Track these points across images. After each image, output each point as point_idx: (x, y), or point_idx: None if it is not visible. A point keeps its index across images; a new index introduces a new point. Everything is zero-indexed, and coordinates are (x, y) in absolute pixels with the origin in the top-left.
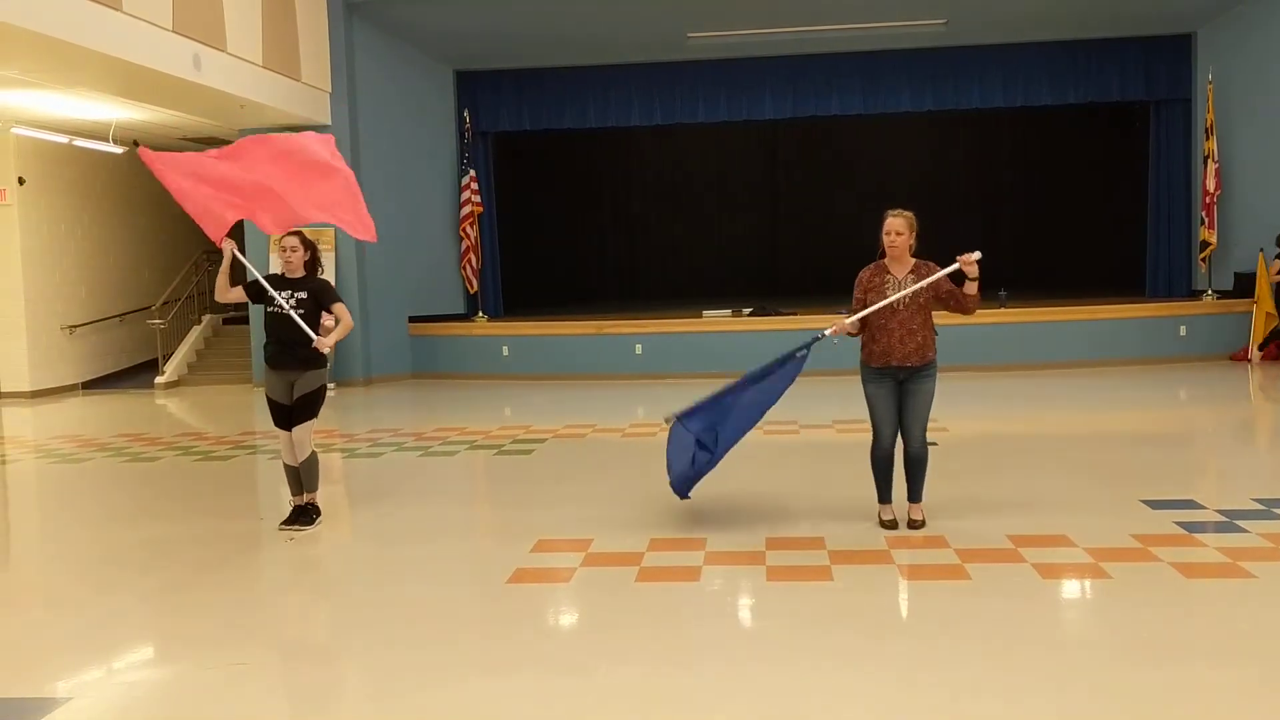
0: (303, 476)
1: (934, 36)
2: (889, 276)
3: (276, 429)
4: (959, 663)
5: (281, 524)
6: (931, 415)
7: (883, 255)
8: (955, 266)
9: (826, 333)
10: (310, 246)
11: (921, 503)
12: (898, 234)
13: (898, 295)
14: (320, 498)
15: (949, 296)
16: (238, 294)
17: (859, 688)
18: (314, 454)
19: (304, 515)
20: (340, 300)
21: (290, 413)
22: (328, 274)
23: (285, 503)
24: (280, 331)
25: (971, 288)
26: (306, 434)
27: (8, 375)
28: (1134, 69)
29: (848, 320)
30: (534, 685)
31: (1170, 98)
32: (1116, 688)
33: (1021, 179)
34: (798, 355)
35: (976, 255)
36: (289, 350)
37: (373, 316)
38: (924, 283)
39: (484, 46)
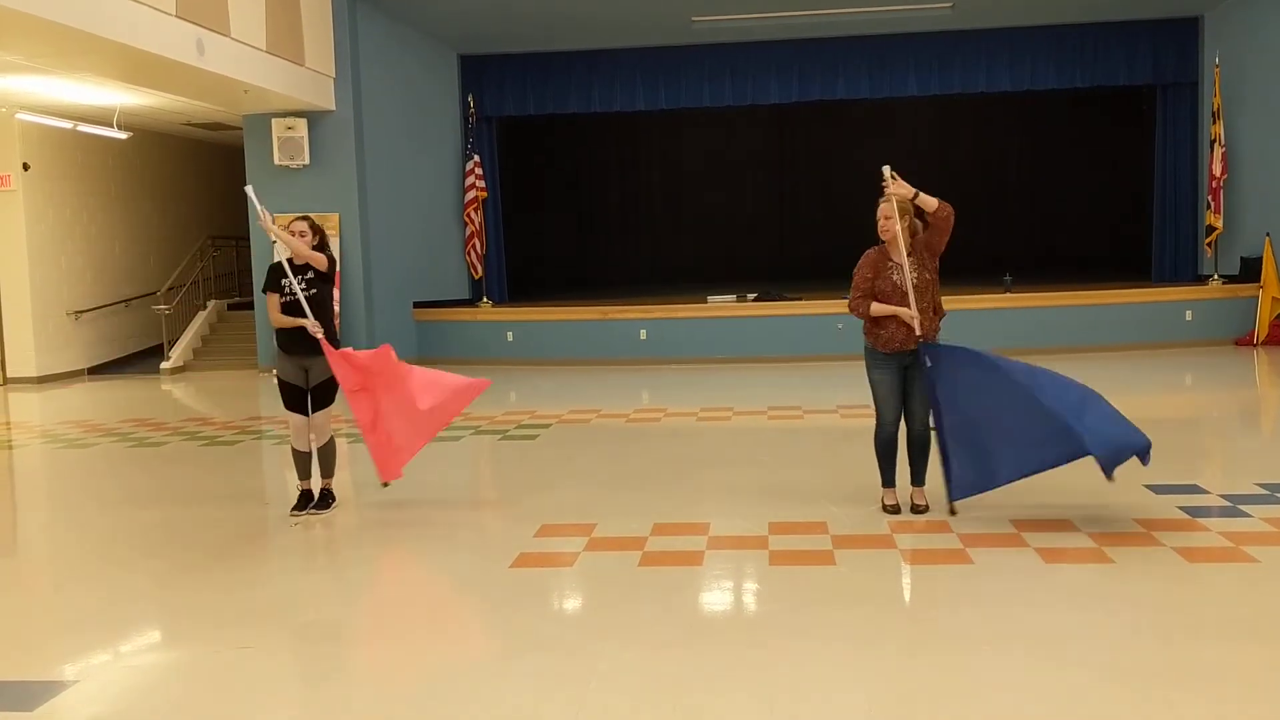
0: (322, 461)
1: (940, 20)
2: (891, 262)
3: (286, 412)
4: (961, 647)
5: (292, 509)
6: None
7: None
8: (891, 201)
9: (916, 331)
10: (318, 231)
11: (925, 487)
12: (886, 218)
13: (909, 284)
14: (333, 484)
15: (933, 234)
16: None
17: (861, 672)
18: (333, 439)
19: (320, 500)
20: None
21: (303, 396)
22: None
23: (291, 487)
24: (293, 316)
25: (927, 202)
26: (327, 419)
27: (14, 361)
28: (1141, 52)
29: (913, 315)
30: (537, 669)
31: (1177, 81)
32: (1119, 671)
33: (1027, 163)
34: (927, 363)
35: (886, 172)
36: (301, 335)
37: (377, 302)
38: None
39: (488, 30)
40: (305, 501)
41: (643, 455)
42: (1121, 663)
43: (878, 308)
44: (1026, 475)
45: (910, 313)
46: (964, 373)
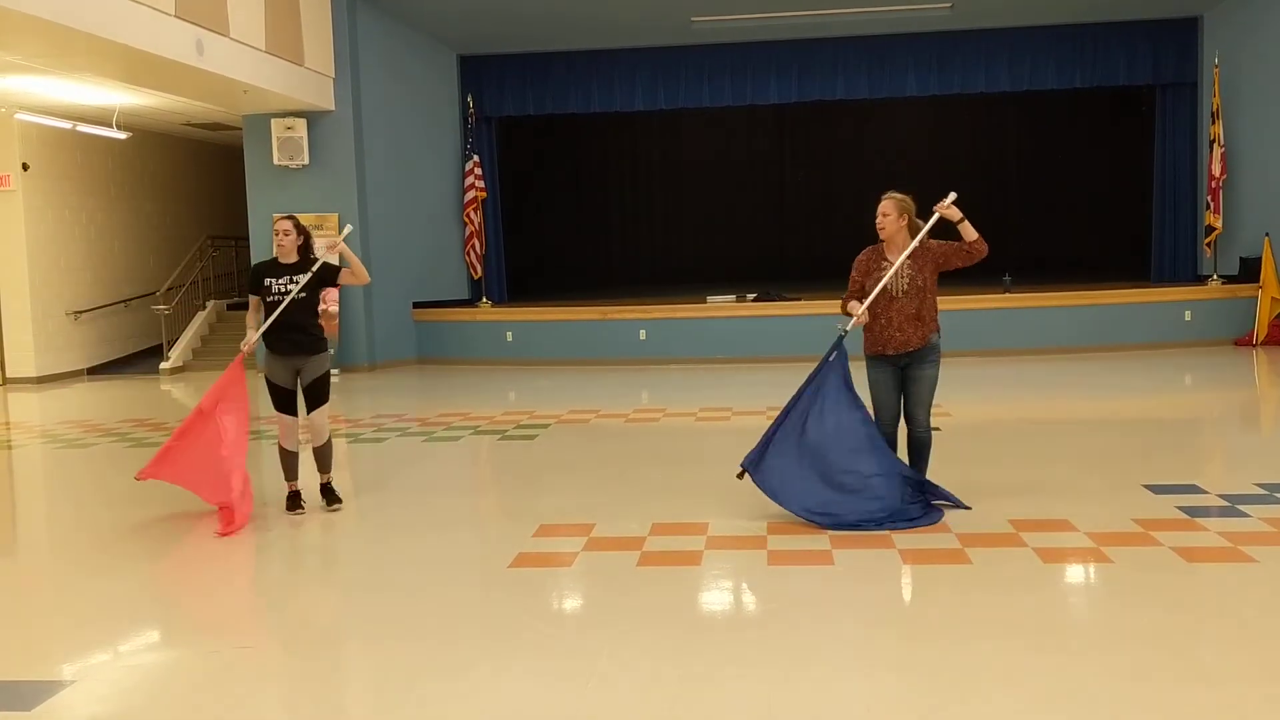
0: (321, 459)
1: (940, 20)
2: (885, 262)
3: (276, 413)
4: (959, 647)
5: (288, 510)
6: (935, 400)
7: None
8: (935, 218)
9: (847, 329)
10: (303, 232)
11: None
12: (884, 215)
13: (887, 277)
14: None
15: (954, 254)
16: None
17: (859, 671)
18: (331, 438)
19: (327, 496)
20: (333, 281)
21: (292, 397)
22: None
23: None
24: (281, 318)
25: (968, 231)
26: (324, 418)
27: (14, 361)
28: (1140, 52)
29: (861, 311)
30: (535, 669)
31: (1176, 81)
32: (1118, 670)
33: (1027, 163)
34: (830, 359)
35: (951, 197)
36: (291, 336)
37: (377, 302)
38: (904, 255)
39: (488, 30)
40: (295, 502)
41: (642, 455)
42: (1120, 663)
43: (854, 307)
44: (806, 515)
45: (858, 307)
46: (834, 400)
